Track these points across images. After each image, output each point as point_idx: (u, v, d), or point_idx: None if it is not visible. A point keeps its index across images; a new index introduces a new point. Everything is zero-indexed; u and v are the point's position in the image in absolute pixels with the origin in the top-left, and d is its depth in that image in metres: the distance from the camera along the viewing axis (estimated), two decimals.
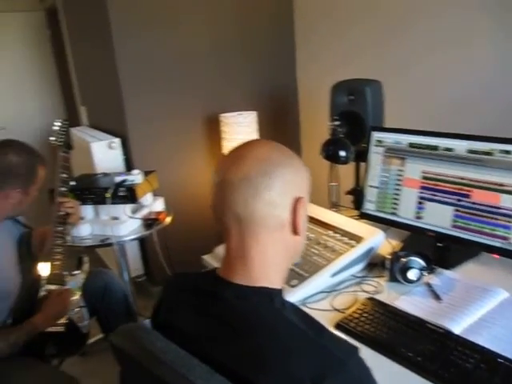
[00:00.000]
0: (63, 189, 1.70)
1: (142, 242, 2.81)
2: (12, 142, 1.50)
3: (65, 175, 1.72)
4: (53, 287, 1.61)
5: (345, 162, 1.65)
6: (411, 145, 1.45)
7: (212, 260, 1.68)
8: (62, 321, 1.60)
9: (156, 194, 2.32)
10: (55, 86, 4.12)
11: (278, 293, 0.77)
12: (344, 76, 1.94)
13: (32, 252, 1.62)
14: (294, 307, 0.77)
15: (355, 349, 0.70)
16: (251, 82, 2.86)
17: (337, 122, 1.69)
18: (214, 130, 2.70)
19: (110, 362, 2.12)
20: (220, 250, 1.67)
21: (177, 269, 2.35)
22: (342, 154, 1.62)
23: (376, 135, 1.55)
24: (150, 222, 2.08)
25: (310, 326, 0.72)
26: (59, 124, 1.81)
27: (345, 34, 2.56)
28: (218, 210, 0.78)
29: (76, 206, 1.72)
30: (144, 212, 2.14)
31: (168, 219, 2.15)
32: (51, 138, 1.76)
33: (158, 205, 2.22)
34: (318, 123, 2.87)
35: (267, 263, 0.77)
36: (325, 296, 1.31)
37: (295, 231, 0.77)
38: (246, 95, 2.84)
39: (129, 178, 2.03)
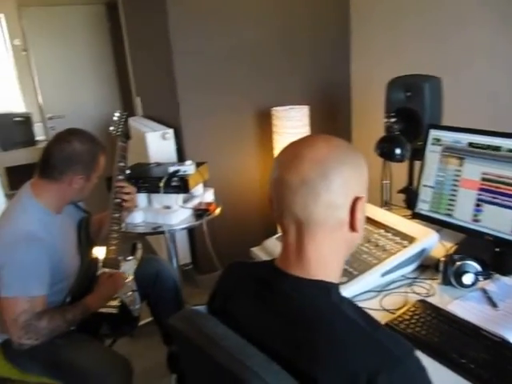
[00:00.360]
0: (120, 177, 1.77)
1: (190, 231, 2.88)
2: (76, 130, 1.57)
3: (122, 164, 1.78)
4: (108, 270, 1.69)
5: (400, 159, 1.61)
6: (471, 144, 1.39)
7: (261, 252, 1.69)
8: (115, 303, 1.68)
9: (206, 185, 2.37)
10: (112, 78, 4.27)
11: (334, 286, 0.78)
12: (401, 71, 1.89)
13: (90, 236, 1.69)
14: (350, 302, 0.78)
15: (412, 348, 0.70)
16: (304, 76, 2.84)
17: (393, 119, 1.66)
18: (265, 123, 2.71)
19: (157, 344, 2.20)
20: (269, 243, 1.69)
21: (224, 259, 2.39)
22: (398, 151, 1.58)
23: (434, 133, 1.50)
24: (200, 212, 2.13)
25: (367, 322, 0.73)
26: (118, 115, 1.87)
27: (402, 27, 2.49)
28: (275, 206, 0.79)
29: (133, 192, 1.78)
30: (195, 202, 2.19)
31: (217, 210, 2.19)
32: (110, 128, 1.83)
33: (208, 196, 2.26)
34: (370, 119, 2.81)
35: (324, 259, 0.78)
36: (374, 295, 1.29)
37: (353, 229, 0.78)
38: (299, 89, 2.83)
39: (182, 168, 2.08)
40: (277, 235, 1.73)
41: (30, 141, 5.78)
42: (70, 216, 1.65)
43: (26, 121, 5.74)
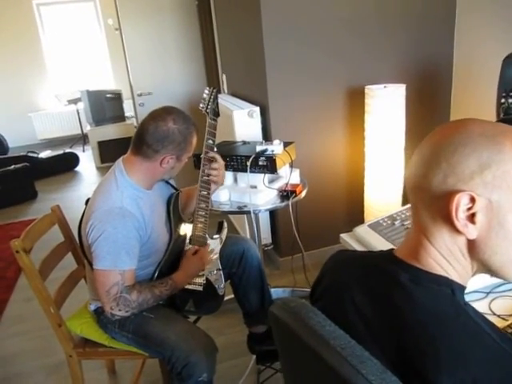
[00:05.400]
0: (210, 155, 1.75)
1: (272, 212, 2.84)
2: (172, 109, 1.55)
3: (211, 141, 1.76)
4: (193, 247, 1.69)
5: None
6: None
7: (350, 239, 1.61)
8: (201, 281, 1.68)
9: (292, 166, 2.29)
10: (199, 55, 4.29)
11: (459, 287, 0.69)
12: None
13: (179, 213, 1.70)
14: (475, 309, 0.68)
15: None
16: (401, 52, 2.63)
17: (511, 99, 1.46)
18: (356, 102, 2.57)
19: (237, 322, 2.20)
20: (360, 230, 1.59)
21: (306, 243, 2.33)
22: None
23: None
24: (285, 193, 2.07)
25: (496, 333, 0.64)
26: (207, 92, 1.84)
27: None
28: (407, 186, 0.73)
29: (221, 167, 1.74)
30: (280, 183, 2.13)
31: (303, 192, 2.12)
32: (200, 105, 1.81)
33: (294, 177, 2.19)
34: (475, 101, 2.56)
35: (444, 254, 0.69)
36: (481, 297, 1.16)
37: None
38: (395, 65, 2.63)
39: (269, 147, 2.02)
40: (369, 222, 1.63)
41: (120, 116, 6.09)
42: (159, 192, 1.66)
43: (117, 97, 6.05)
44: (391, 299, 0.68)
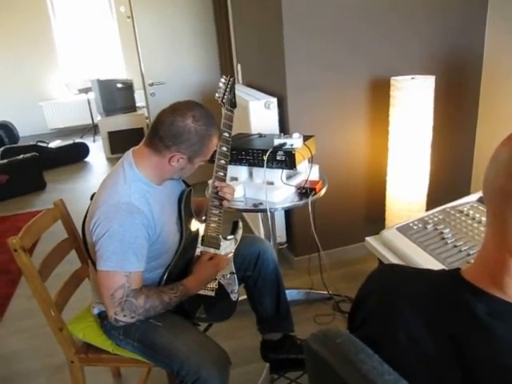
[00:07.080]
0: (224, 149, 1.62)
1: (287, 209, 2.70)
2: (195, 106, 1.40)
3: (227, 134, 1.63)
4: (208, 249, 1.57)
5: None
6: None
7: (376, 243, 1.47)
8: (213, 285, 1.56)
9: (310, 161, 2.15)
10: (213, 44, 4.15)
11: None
12: None
13: (191, 211, 1.57)
14: None
15: None
16: (428, 41, 2.46)
17: None
18: (381, 94, 2.42)
19: (250, 325, 2.08)
20: (388, 233, 1.45)
21: (323, 242, 2.19)
22: None
23: None
24: (304, 190, 1.93)
25: None
26: (224, 80, 1.71)
27: None
28: (486, 190, 0.58)
29: (232, 192, 1.63)
30: (298, 179, 1.99)
31: (323, 190, 1.98)
32: (216, 95, 1.68)
33: (313, 173, 2.05)
34: (503, 93, 2.39)
35: None
36: None
37: None
38: (421, 56, 2.47)
39: (288, 141, 1.87)
40: (397, 225, 1.48)
41: (131, 107, 5.97)
42: (171, 188, 1.52)
43: (128, 87, 5.93)
44: (463, 337, 0.54)
